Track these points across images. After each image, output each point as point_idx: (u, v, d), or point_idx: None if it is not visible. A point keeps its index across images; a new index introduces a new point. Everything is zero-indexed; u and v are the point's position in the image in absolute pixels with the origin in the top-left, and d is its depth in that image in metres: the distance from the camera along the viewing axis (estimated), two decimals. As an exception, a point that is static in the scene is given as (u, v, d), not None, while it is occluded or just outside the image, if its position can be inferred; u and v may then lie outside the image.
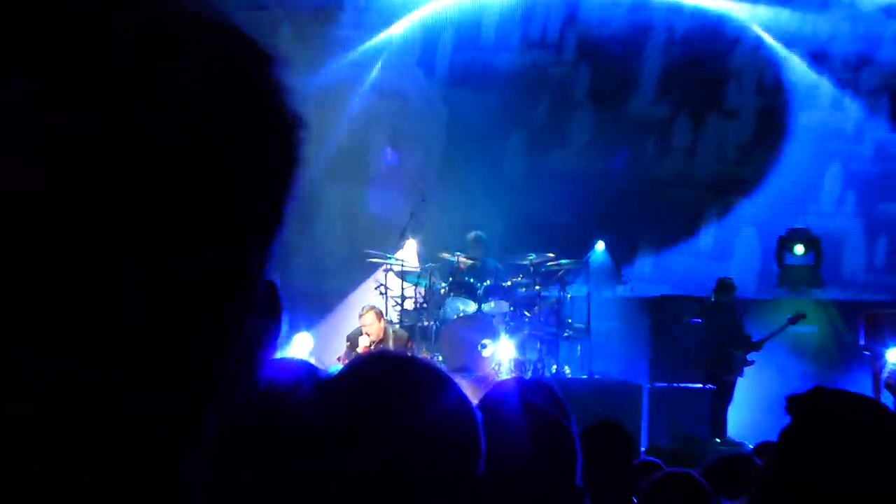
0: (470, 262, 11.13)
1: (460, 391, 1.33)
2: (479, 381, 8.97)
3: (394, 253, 11.09)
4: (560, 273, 11.07)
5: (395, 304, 11.03)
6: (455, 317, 10.60)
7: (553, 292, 11.20)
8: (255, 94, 0.63)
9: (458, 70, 13.63)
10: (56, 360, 0.57)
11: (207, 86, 0.60)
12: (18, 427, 0.57)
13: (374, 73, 13.35)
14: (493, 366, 10.21)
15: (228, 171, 0.60)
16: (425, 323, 10.73)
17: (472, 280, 10.74)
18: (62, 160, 0.56)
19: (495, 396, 2.16)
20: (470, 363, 10.10)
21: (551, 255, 11.03)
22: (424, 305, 10.85)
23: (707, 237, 13.76)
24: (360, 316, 9.92)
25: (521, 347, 10.67)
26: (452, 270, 10.94)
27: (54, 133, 0.56)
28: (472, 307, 10.66)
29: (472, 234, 11.47)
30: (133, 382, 0.58)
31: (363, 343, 9.71)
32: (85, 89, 0.57)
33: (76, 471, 0.58)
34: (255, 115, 0.63)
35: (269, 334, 0.66)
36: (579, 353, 11.27)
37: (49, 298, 0.56)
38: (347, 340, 9.98)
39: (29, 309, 0.56)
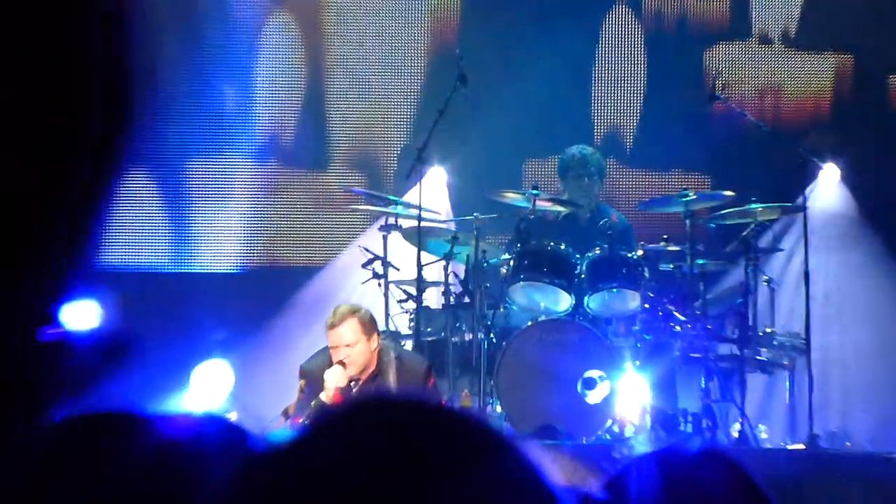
0: (564, 210, 11.18)
1: (546, 481, 1.32)
2: (584, 454, 9.02)
3: (401, 194, 11.17)
4: (747, 232, 11.08)
5: (402, 299, 11.11)
6: (529, 324, 10.67)
7: (734, 272, 11.22)
8: None
9: None
10: None
11: None
12: None
13: None
14: (609, 425, 10.27)
15: None
16: (466, 337, 10.81)
17: (564, 249, 10.79)
18: None
19: (622, 488, 2.16)
20: (563, 419, 10.17)
21: (729, 192, 11.06)
22: (465, 300, 10.91)
23: None
24: (330, 327, 9.98)
25: (667, 386, 10.72)
26: (524, 228, 11.00)
27: None
28: (564, 303, 10.74)
29: (570, 152, 11.55)
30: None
31: (334, 380, 9.77)
32: None
33: None
34: None
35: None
36: (789, 397, 11.31)
37: None
38: (303, 376, 10.06)
39: None
